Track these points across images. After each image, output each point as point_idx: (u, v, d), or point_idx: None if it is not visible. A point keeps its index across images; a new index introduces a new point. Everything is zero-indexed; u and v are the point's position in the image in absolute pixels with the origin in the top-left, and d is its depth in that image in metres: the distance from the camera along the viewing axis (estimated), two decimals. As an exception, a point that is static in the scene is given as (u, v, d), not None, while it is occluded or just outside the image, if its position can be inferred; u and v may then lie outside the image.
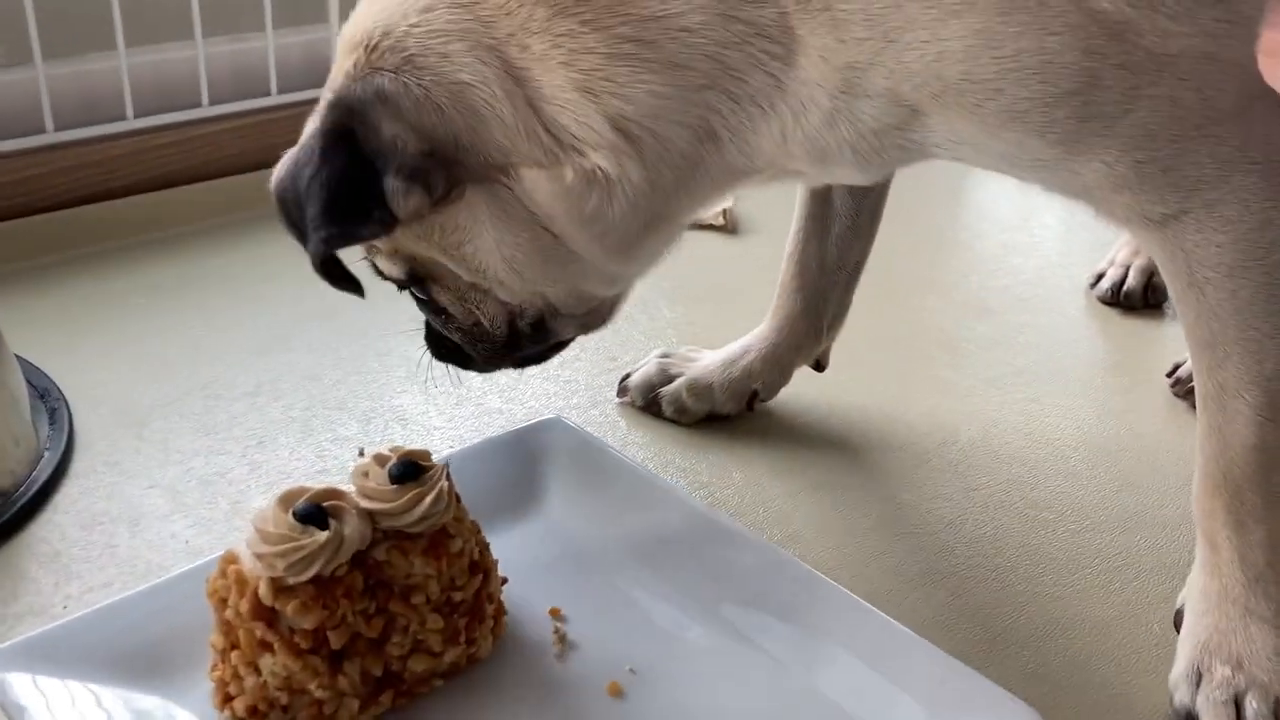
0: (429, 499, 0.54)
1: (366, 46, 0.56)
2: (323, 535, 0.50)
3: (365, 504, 0.54)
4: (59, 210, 1.01)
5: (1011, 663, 0.63)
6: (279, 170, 0.59)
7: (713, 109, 0.55)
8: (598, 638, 0.60)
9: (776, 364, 0.82)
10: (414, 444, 0.76)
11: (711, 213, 1.13)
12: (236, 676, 0.52)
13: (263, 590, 0.50)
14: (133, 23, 1.03)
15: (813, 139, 0.55)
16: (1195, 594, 0.62)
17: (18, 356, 0.78)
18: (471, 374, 0.72)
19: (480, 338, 0.66)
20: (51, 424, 0.76)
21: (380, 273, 0.66)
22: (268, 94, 1.13)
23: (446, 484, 0.56)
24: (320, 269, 0.58)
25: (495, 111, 0.55)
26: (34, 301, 0.91)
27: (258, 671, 0.51)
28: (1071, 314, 1.01)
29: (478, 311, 0.65)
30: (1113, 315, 1.01)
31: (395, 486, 0.54)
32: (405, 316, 0.92)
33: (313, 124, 0.58)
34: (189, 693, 0.55)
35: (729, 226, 1.13)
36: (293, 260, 1.03)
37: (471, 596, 0.56)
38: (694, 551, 0.65)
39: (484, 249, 0.60)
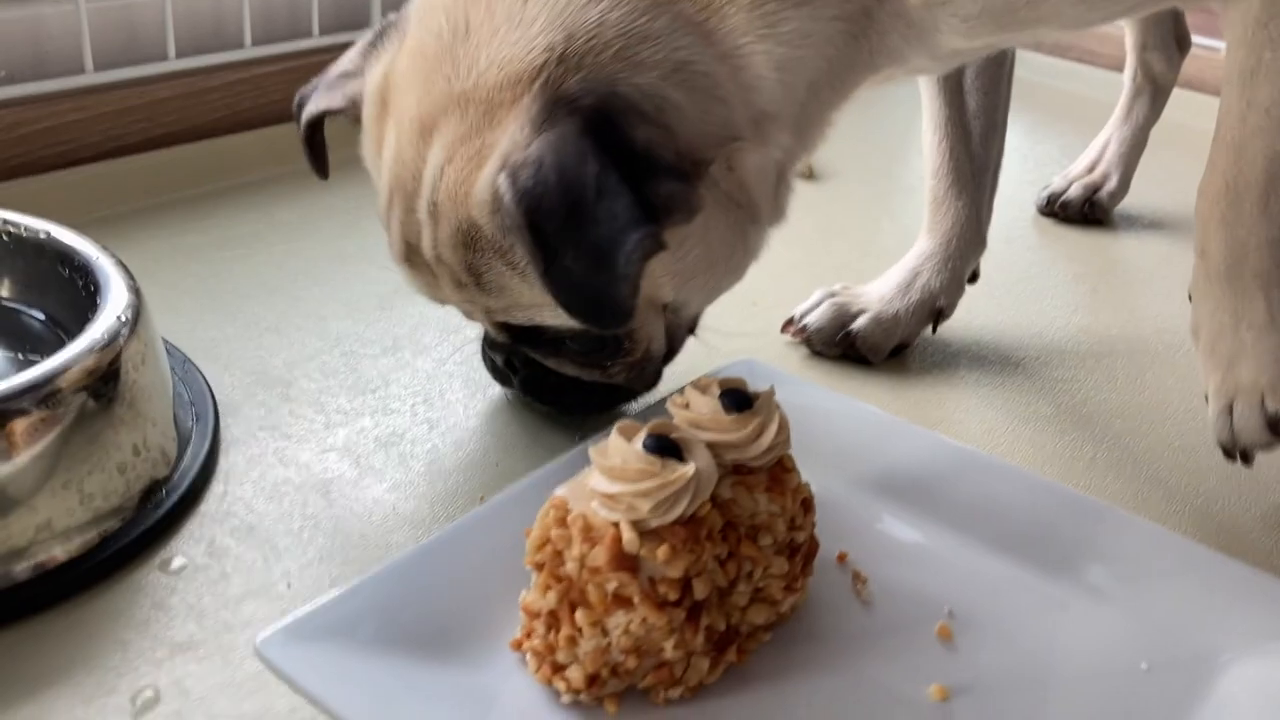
0: (773, 428, 0.48)
1: (554, 61, 0.49)
2: (687, 468, 0.44)
3: (706, 436, 0.47)
4: (103, 160, 0.89)
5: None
6: (510, 183, 0.48)
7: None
8: (897, 583, 0.55)
9: (952, 276, 0.79)
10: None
11: (790, 158, 1.08)
12: (571, 641, 0.45)
13: (627, 536, 0.43)
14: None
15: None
16: (1193, 276, 0.64)
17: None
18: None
19: (645, 361, 0.62)
20: (189, 389, 0.66)
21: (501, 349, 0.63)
22: (309, 35, 1.03)
23: (780, 413, 0.50)
24: (640, 263, 0.48)
25: (718, 91, 0.51)
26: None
27: (603, 633, 0.44)
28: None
29: (647, 336, 0.60)
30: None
31: (734, 416, 0.48)
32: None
33: (539, 141, 0.48)
34: (492, 662, 0.48)
35: (809, 174, 1.08)
36: (372, 209, 0.96)
37: (807, 538, 0.50)
38: (955, 486, 0.61)
39: (700, 252, 0.56)
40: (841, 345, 0.77)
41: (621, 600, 0.44)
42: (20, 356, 0.62)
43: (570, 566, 0.44)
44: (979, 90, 0.78)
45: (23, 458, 0.52)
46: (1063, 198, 1.04)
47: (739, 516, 0.47)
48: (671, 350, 0.64)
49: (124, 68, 0.91)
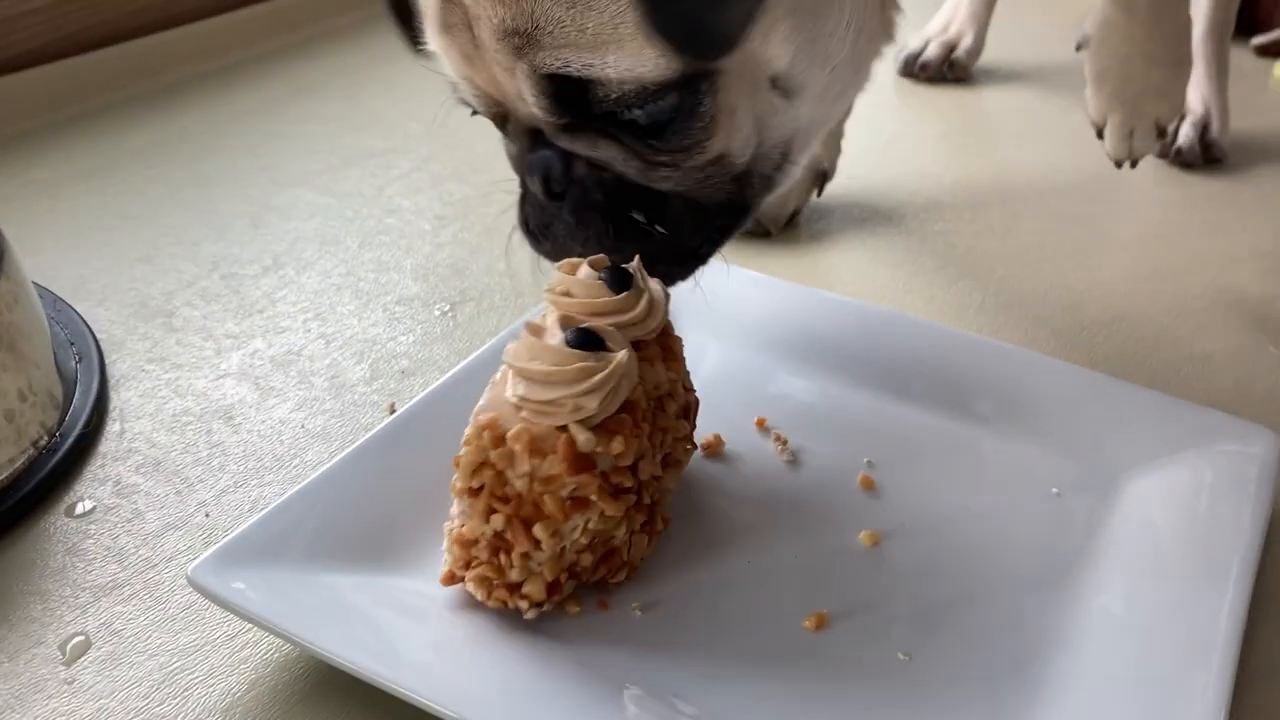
0: (657, 297, 0.48)
1: None
2: (620, 354, 0.44)
3: (604, 321, 0.47)
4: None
5: (1196, 389, 0.64)
6: None
7: None
8: (816, 440, 0.56)
9: (831, 138, 0.80)
10: (488, 293, 0.70)
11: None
12: (525, 558, 0.44)
13: (582, 438, 0.42)
14: None
15: None
16: (1097, 31, 0.72)
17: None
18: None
19: (718, 169, 0.51)
20: (65, 329, 0.63)
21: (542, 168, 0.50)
22: (134, -54, 0.96)
23: (657, 282, 0.50)
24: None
25: None
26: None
27: (560, 538, 0.44)
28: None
29: (732, 123, 0.50)
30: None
31: (623, 295, 0.48)
32: (394, 173, 0.83)
33: None
34: (426, 567, 0.47)
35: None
36: (228, 131, 0.92)
37: (693, 395, 0.51)
38: (865, 343, 0.62)
39: (819, 31, 0.50)
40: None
41: (579, 502, 0.43)
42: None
43: (519, 484, 0.43)
44: None
45: (-103, 416, 0.49)
46: (921, 58, 1.05)
47: (649, 391, 0.47)
48: (751, 179, 0.53)
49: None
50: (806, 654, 0.45)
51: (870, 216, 0.81)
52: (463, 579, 0.45)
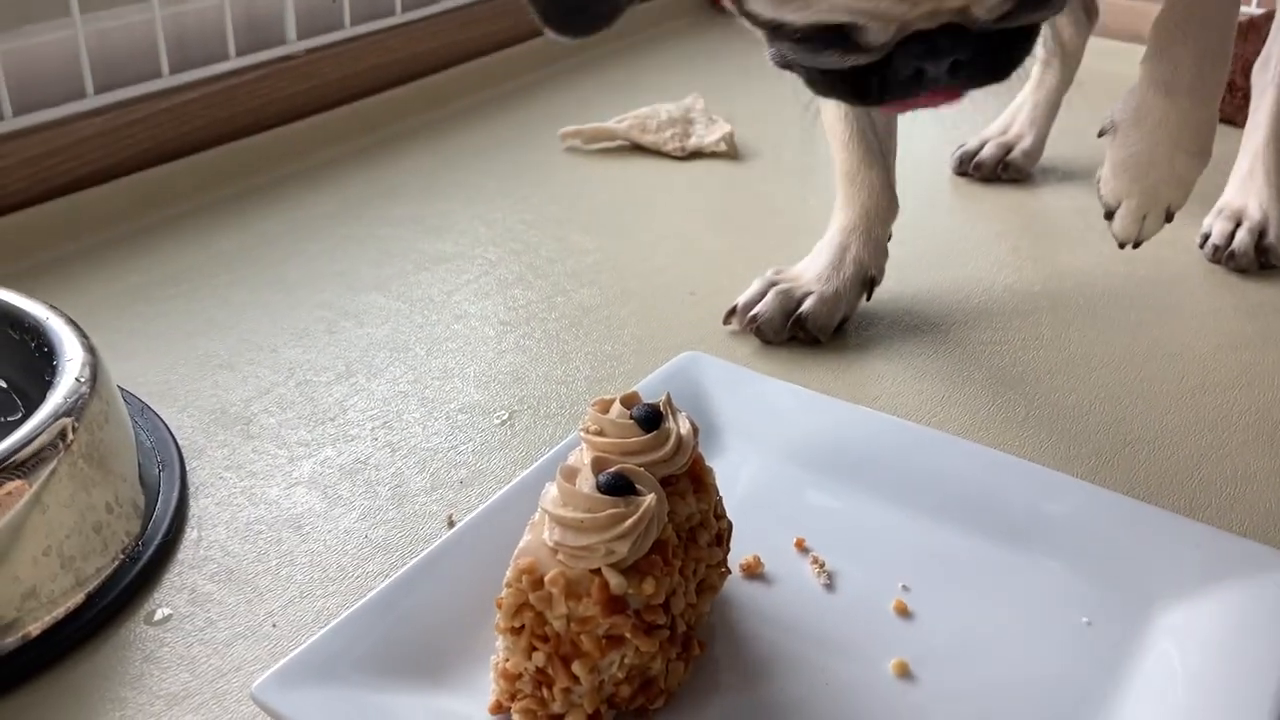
0: (686, 433, 0.50)
1: None
2: (648, 498, 0.46)
3: (635, 460, 0.50)
4: (33, 205, 0.89)
5: (1214, 522, 0.65)
6: None
7: None
8: (856, 563, 0.58)
9: (877, 245, 0.83)
10: (545, 400, 0.73)
11: (713, 139, 1.10)
12: (567, 692, 0.46)
13: (614, 581, 0.45)
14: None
15: None
16: (1130, 115, 0.75)
17: (73, 368, 0.69)
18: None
19: None
20: (149, 434, 0.67)
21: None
22: (226, 58, 1.03)
23: (686, 415, 0.53)
24: None
25: None
26: (53, 303, 0.81)
27: (599, 673, 0.46)
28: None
29: None
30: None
31: (650, 434, 0.50)
32: (464, 278, 0.88)
33: None
34: (479, 686, 0.50)
35: (732, 151, 1.11)
36: (308, 234, 0.97)
37: (726, 520, 0.54)
38: (904, 463, 0.64)
39: None
40: (791, 330, 0.79)
41: (615, 640, 0.46)
42: (-19, 423, 0.63)
43: (557, 624, 0.46)
44: None
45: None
46: (977, 157, 1.07)
47: (679, 524, 0.50)
48: None
49: (42, 110, 0.91)
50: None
51: (919, 325, 0.83)
52: (509, 709, 0.48)
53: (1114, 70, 1.35)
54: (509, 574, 0.47)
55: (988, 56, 0.56)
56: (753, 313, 0.79)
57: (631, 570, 0.46)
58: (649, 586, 0.46)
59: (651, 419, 0.50)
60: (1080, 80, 1.10)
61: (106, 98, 0.94)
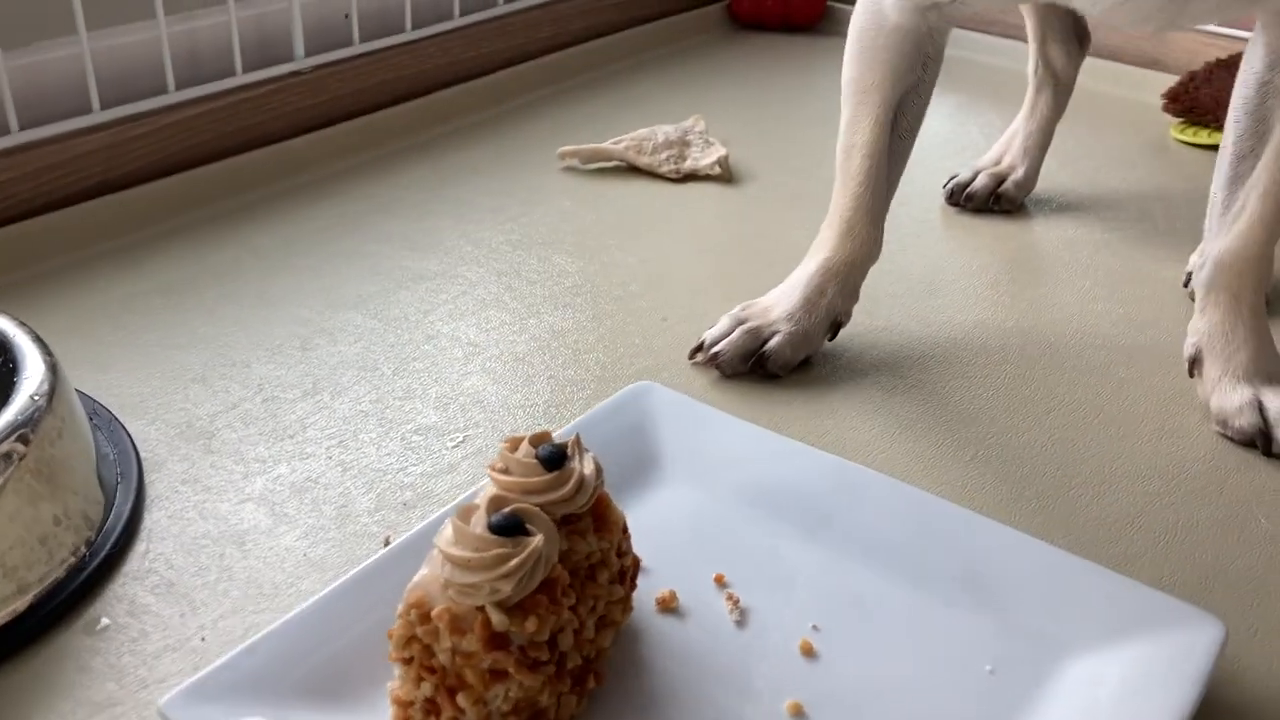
0: (589, 473, 0.52)
1: None
2: (537, 539, 0.48)
3: (535, 499, 0.51)
4: (36, 216, 0.93)
5: (1145, 574, 0.65)
6: None
7: None
8: (770, 600, 0.59)
9: (853, 290, 0.83)
10: (500, 424, 0.75)
11: (707, 162, 1.12)
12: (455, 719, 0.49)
13: (496, 619, 0.47)
14: (90, 5, 0.96)
15: None
16: (1219, 339, 0.78)
17: (51, 378, 0.72)
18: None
19: None
20: (114, 447, 0.70)
21: None
22: (232, 74, 1.06)
23: (590, 455, 0.54)
24: None
25: None
26: (40, 316, 0.84)
27: (485, 704, 0.48)
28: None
29: None
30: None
31: (552, 474, 0.52)
32: (442, 297, 0.90)
33: None
34: (378, 712, 0.52)
35: (726, 175, 1.12)
36: (300, 249, 1.00)
37: (631, 558, 0.55)
38: (836, 502, 0.65)
39: None
40: (752, 366, 0.80)
41: (498, 674, 0.48)
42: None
43: (442, 657, 0.48)
44: (912, 110, 0.81)
45: (-51, 536, 0.56)
46: (969, 189, 1.07)
47: (578, 562, 0.51)
48: None
49: (47, 125, 0.94)
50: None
51: (881, 360, 0.83)
52: (402, 733, 0.50)
53: (1106, 92, 1.35)
54: (400, 606, 0.49)
55: None
56: (715, 350, 0.80)
57: (516, 608, 0.48)
58: (531, 624, 0.47)
59: (555, 459, 0.52)
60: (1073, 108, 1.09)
61: (112, 113, 0.97)
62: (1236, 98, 0.77)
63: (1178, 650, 0.55)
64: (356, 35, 1.16)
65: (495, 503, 0.50)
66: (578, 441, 0.54)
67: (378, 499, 0.68)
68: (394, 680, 0.50)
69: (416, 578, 0.50)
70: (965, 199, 1.07)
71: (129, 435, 0.72)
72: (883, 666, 0.56)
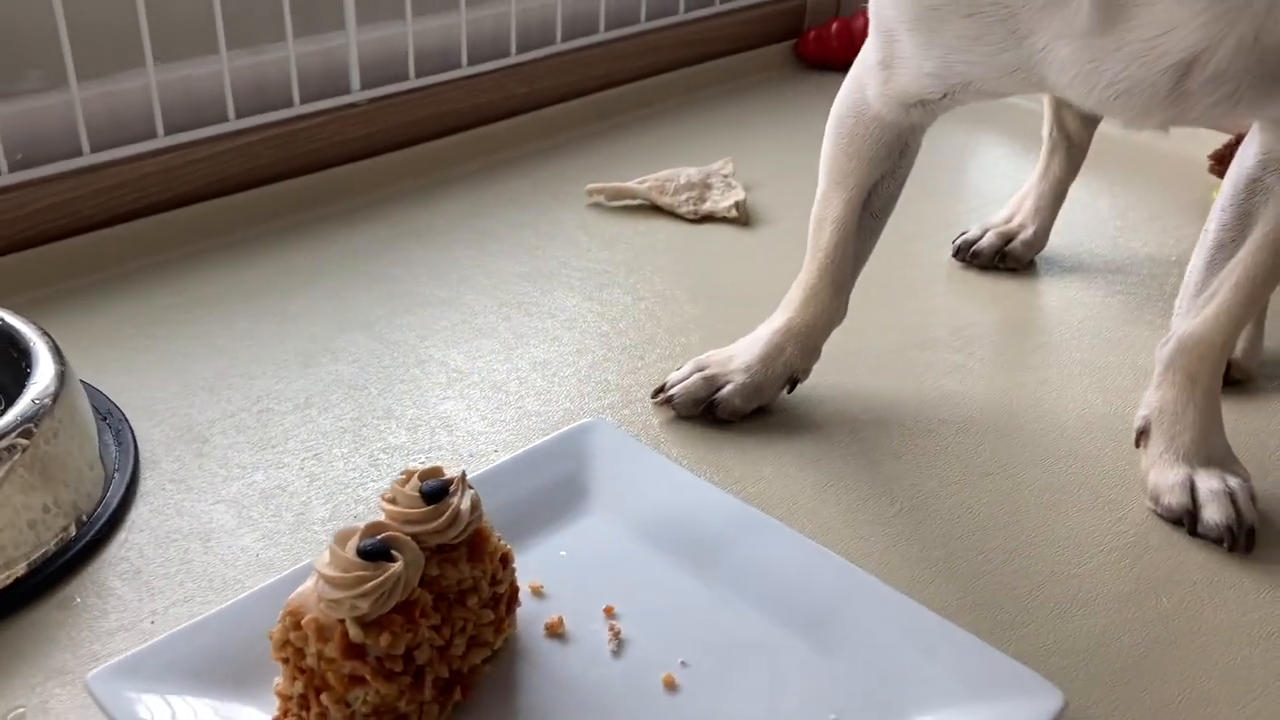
0: (465, 509, 0.58)
1: None
2: (396, 566, 0.55)
3: (409, 529, 0.58)
4: (98, 230, 1.04)
5: (1032, 640, 0.67)
6: None
7: None
8: (650, 633, 0.65)
9: (813, 350, 0.87)
10: (461, 448, 0.82)
11: (725, 204, 1.16)
12: (322, 716, 0.55)
13: (353, 631, 0.54)
14: (159, 40, 1.07)
15: None
16: (1168, 417, 0.80)
17: (79, 380, 0.82)
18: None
19: None
20: (118, 445, 0.80)
21: None
22: (289, 105, 1.16)
23: (472, 492, 0.60)
24: None
25: None
26: (83, 322, 0.95)
27: (347, 705, 0.55)
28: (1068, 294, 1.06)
29: None
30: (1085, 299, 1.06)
31: (430, 506, 0.58)
32: (441, 324, 0.97)
33: None
34: (269, 704, 0.59)
35: (742, 218, 1.16)
36: (328, 269, 1.08)
37: (507, 586, 0.61)
38: (734, 546, 0.70)
39: None
40: (703, 412, 0.85)
41: (357, 679, 0.54)
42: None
43: (310, 660, 0.55)
44: (885, 193, 0.84)
45: (-46, 515, 0.66)
46: (976, 245, 1.09)
47: (448, 586, 0.57)
48: None
49: (115, 148, 1.06)
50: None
51: (835, 416, 0.87)
52: (283, 722, 0.57)
53: (1154, 144, 1.33)
54: (281, 612, 0.56)
55: None
56: (670, 392, 0.86)
57: (373, 624, 0.54)
58: (385, 640, 0.54)
59: (435, 494, 0.58)
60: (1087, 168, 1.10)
61: (174, 138, 1.08)
62: (1227, 188, 0.78)
63: (1010, 715, 0.58)
64: (412, 70, 1.25)
65: (371, 529, 0.56)
66: (462, 479, 0.60)
67: (333, 510, 0.76)
68: (278, 677, 0.58)
69: (300, 589, 0.57)
70: (971, 255, 1.09)
71: (134, 435, 0.81)
72: (734, 704, 0.61)
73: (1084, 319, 1.02)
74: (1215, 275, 0.77)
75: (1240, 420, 0.89)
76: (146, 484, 0.78)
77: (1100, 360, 0.96)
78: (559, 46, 1.38)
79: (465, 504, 0.59)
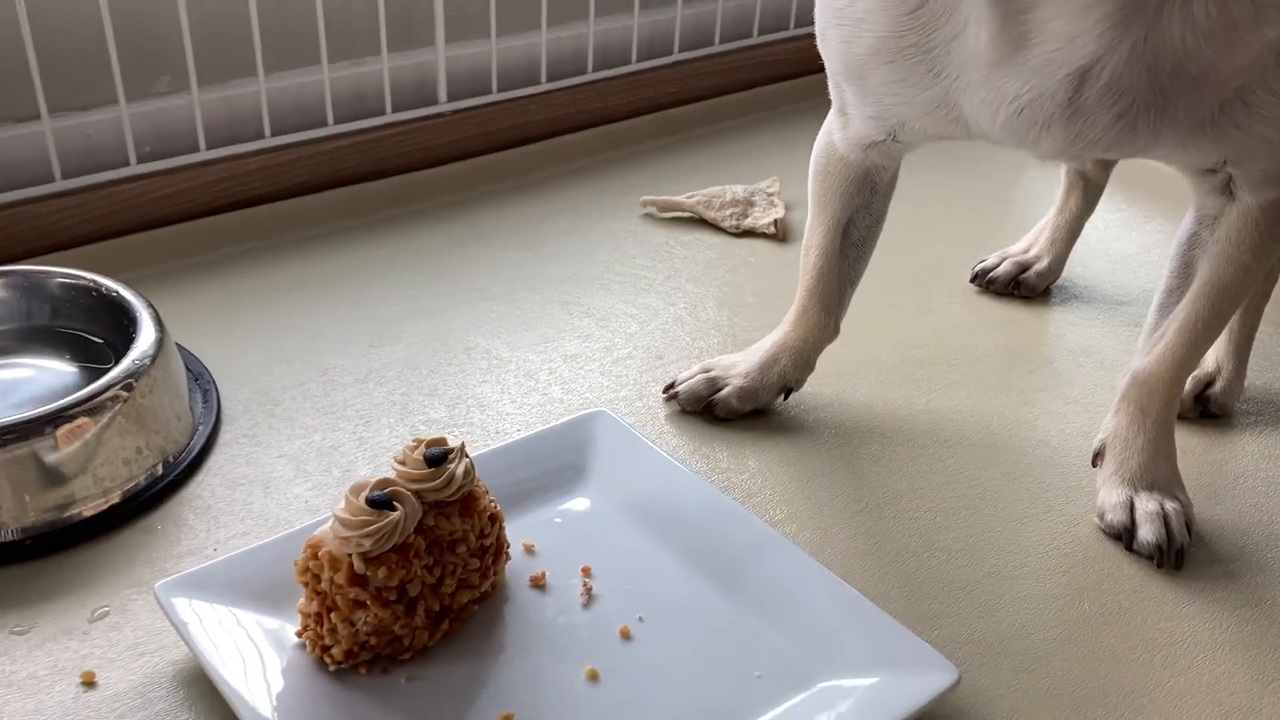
0: (459, 473, 0.70)
1: None
2: (396, 514, 0.67)
3: (412, 486, 0.70)
4: (208, 217, 1.20)
5: (953, 628, 0.77)
6: None
7: None
8: (616, 591, 0.76)
9: (805, 363, 0.97)
10: (491, 427, 0.94)
11: (765, 221, 1.27)
12: (333, 631, 0.68)
13: (357, 564, 0.67)
14: (269, 51, 1.22)
15: None
16: (1120, 443, 0.88)
17: (177, 344, 0.97)
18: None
19: None
20: (204, 403, 0.95)
21: None
22: (382, 113, 1.30)
23: (467, 460, 0.72)
24: None
25: None
26: (189, 296, 1.11)
27: (352, 624, 0.68)
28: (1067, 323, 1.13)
29: None
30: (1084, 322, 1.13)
31: (431, 468, 0.71)
32: (492, 316, 1.10)
33: None
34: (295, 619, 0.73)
35: (780, 234, 1.26)
36: (403, 261, 1.21)
37: (494, 540, 0.73)
38: (701, 526, 0.81)
39: None
40: (704, 409, 0.96)
41: (359, 604, 0.67)
42: (93, 366, 0.93)
43: (325, 585, 0.68)
44: (862, 225, 0.93)
45: (67, 450, 0.81)
46: (992, 272, 1.17)
47: (441, 535, 0.70)
48: None
49: (225, 146, 1.21)
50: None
51: (825, 423, 0.97)
52: (303, 635, 0.70)
53: (1146, 189, 1.38)
54: (304, 544, 0.69)
55: None
56: (678, 389, 0.97)
57: (374, 560, 0.67)
58: (382, 573, 0.67)
59: (435, 459, 0.71)
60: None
61: (277, 140, 1.23)
62: (1175, 241, 0.86)
63: (907, 684, 0.68)
64: (495, 84, 1.38)
65: (381, 484, 0.69)
66: (461, 449, 0.72)
67: (374, 469, 0.89)
68: (302, 598, 0.71)
69: (321, 527, 0.70)
70: (987, 282, 1.17)
71: (219, 395, 0.96)
72: (677, 655, 0.72)
73: (1084, 346, 1.09)
74: (1164, 318, 0.85)
75: (1207, 451, 0.96)
76: (224, 436, 0.93)
77: (1088, 386, 1.03)
78: (634, 66, 1.49)
79: (460, 469, 0.71)
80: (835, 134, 0.87)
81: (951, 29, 0.69)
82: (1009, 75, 0.68)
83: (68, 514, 0.81)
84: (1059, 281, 1.19)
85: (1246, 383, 1.03)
